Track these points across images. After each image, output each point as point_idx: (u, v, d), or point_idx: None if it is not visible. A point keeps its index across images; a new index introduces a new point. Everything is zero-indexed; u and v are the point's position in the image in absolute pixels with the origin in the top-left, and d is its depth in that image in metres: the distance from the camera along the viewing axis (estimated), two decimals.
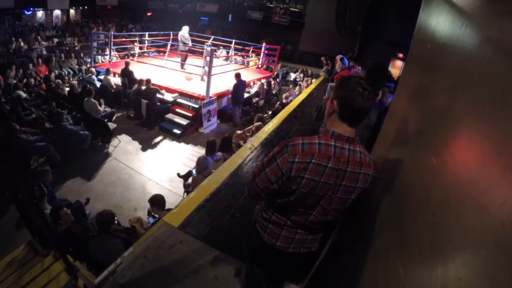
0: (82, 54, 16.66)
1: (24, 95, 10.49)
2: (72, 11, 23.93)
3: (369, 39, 20.14)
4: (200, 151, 9.11)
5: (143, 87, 10.45)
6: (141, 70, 12.61)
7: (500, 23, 1.13)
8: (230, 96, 11.75)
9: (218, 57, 15.62)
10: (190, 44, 13.92)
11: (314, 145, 1.73)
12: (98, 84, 12.13)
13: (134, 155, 8.91)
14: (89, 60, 15.43)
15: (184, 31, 13.69)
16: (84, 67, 15.69)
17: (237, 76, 11.16)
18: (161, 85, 11.29)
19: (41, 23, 21.28)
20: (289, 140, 1.79)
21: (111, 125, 9.35)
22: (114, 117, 10.25)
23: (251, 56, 18.51)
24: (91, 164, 8.08)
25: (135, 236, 4.48)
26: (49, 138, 8.04)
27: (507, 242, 0.81)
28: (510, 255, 0.78)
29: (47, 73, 13.54)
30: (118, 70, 12.13)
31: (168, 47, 15.68)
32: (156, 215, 5.13)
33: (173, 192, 7.25)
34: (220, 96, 11.61)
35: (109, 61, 14.45)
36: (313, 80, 16.34)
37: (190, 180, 6.48)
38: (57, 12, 22.49)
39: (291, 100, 11.81)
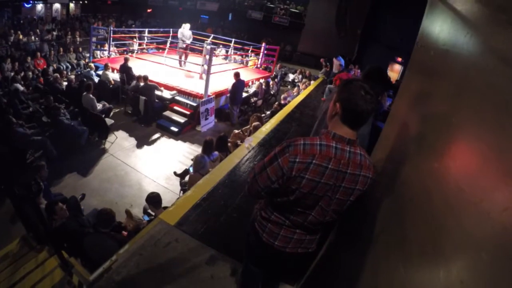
0: (80, 49, 16.59)
1: (21, 88, 10.45)
2: (72, 5, 23.86)
3: (368, 42, 20.24)
4: (197, 150, 9.10)
5: (141, 84, 10.42)
6: (140, 66, 12.59)
7: (504, 34, 1.14)
8: (228, 95, 11.74)
9: (217, 56, 15.60)
10: (188, 41, 13.89)
11: (315, 146, 1.74)
12: (96, 79, 12.07)
13: (130, 151, 8.88)
14: (87, 55, 15.37)
15: (185, 29, 13.67)
16: (82, 62, 15.62)
17: (236, 75, 11.14)
18: (159, 82, 11.25)
19: (40, 16, 21.19)
20: (291, 140, 1.81)
21: (108, 121, 9.31)
22: (111, 113, 10.21)
23: (250, 56, 18.50)
24: (87, 160, 8.05)
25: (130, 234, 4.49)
26: (46, 132, 8.01)
27: (509, 246, 0.82)
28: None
29: (45, 66, 13.46)
30: (117, 66, 12.09)
31: (168, 44, 15.66)
32: (152, 213, 5.12)
33: (169, 190, 7.23)
34: (218, 95, 11.61)
35: (108, 57, 14.41)
36: (312, 82, 16.36)
37: (186, 178, 6.47)
38: (57, 5, 22.43)
39: (289, 101, 11.82)
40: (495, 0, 1.28)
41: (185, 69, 13.43)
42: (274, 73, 17.10)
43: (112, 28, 14.92)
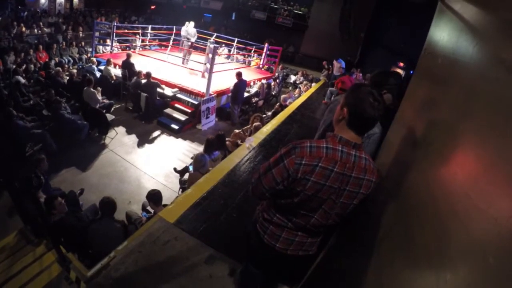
0: (83, 43, 16.56)
1: (23, 80, 10.44)
2: None
3: (371, 45, 20.26)
4: (197, 148, 9.11)
5: (143, 81, 10.41)
6: (142, 62, 12.55)
7: None
8: (230, 94, 11.73)
9: (219, 55, 15.60)
10: (193, 39, 13.89)
11: (321, 148, 1.74)
12: (98, 74, 12.06)
13: (130, 148, 8.87)
14: (90, 49, 15.35)
15: (190, 27, 13.66)
16: (84, 56, 15.58)
17: (238, 75, 11.14)
18: (161, 79, 11.24)
19: (44, 9, 21.16)
20: (297, 142, 1.80)
21: (109, 117, 9.29)
22: (112, 109, 10.20)
23: (253, 57, 18.50)
24: (86, 155, 8.03)
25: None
26: (46, 126, 8.00)
27: None
28: None
29: (47, 59, 13.44)
30: (119, 62, 12.09)
31: (171, 42, 15.65)
32: (151, 210, 5.12)
33: (168, 187, 7.22)
34: (220, 94, 11.59)
35: (110, 52, 14.40)
36: (313, 84, 16.38)
37: (186, 176, 6.47)
38: None
39: (290, 103, 11.82)
40: (505, 14, 1.28)
41: (187, 67, 13.42)
42: (276, 74, 17.09)
43: (115, 24, 14.90)
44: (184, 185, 6.32)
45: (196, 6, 27.57)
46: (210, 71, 10.67)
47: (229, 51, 18.52)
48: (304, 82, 16.83)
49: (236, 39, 17.47)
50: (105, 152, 8.42)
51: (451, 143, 1.43)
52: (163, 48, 16.44)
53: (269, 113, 10.53)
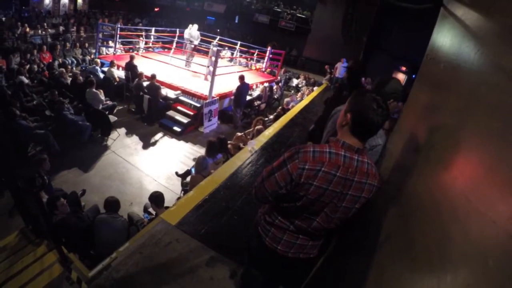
0: (87, 44, 16.62)
1: (26, 81, 10.47)
2: (80, 0, 23.93)
3: (373, 50, 20.27)
4: (199, 150, 9.12)
5: (145, 82, 10.45)
6: (145, 65, 12.59)
7: None
8: (232, 97, 11.76)
9: (222, 58, 15.62)
10: (196, 42, 13.94)
11: (324, 153, 1.75)
12: (101, 75, 12.10)
13: (132, 149, 8.89)
14: (93, 50, 15.41)
15: (193, 29, 13.71)
16: (88, 58, 15.64)
17: (241, 78, 11.15)
18: (164, 82, 11.28)
19: (48, 10, 21.26)
20: (300, 146, 1.82)
21: (112, 118, 9.31)
22: (115, 110, 10.22)
23: (255, 60, 18.53)
24: (89, 156, 8.05)
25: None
26: (49, 126, 8.02)
27: None
28: None
29: (50, 60, 13.49)
30: (122, 63, 12.09)
31: (174, 44, 15.69)
32: (153, 212, 5.14)
33: (169, 189, 7.22)
34: (222, 96, 11.60)
35: (114, 54, 14.45)
36: (315, 88, 16.38)
37: (188, 178, 6.48)
38: (64, 0, 22.49)
39: (292, 106, 11.83)
40: (507, 20, 1.29)
41: (190, 69, 13.46)
42: (279, 77, 17.11)
43: (119, 25, 14.96)
44: (186, 188, 6.33)
45: (200, 9, 27.67)
46: (213, 74, 10.69)
47: (232, 54, 18.56)
48: (305, 87, 16.84)
49: (239, 42, 17.51)
50: (107, 153, 8.44)
51: (451, 148, 1.44)
52: (166, 50, 16.52)
53: (271, 117, 10.55)
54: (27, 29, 15.79)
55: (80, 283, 3.19)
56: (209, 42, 15.30)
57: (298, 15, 25.75)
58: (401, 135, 2.35)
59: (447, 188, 1.35)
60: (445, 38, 2.04)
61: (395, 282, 1.48)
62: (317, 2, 23.53)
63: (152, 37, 17.28)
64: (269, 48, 17.14)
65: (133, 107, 11.08)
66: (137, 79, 10.63)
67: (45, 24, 17.48)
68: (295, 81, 19.74)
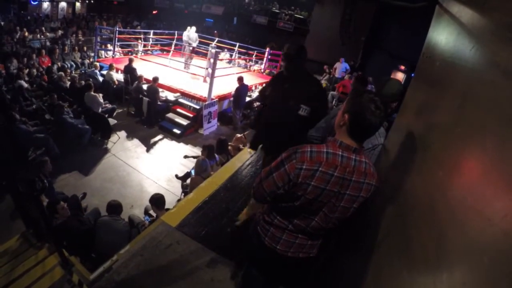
0: (85, 48, 16.63)
1: (25, 85, 10.48)
2: (78, 4, 23.97)
3: (372, 49, 20.27)
4: (199, 153, 9.12)
5: (145, 85, 10.47)
6: (144, 67, 12.60)
7: (508, 50, 1.17)
8: (231, 99, 11.77)
9: (221, 60, 15.64)
10: (195, 44, 13.96)
11: (322, 153, 1.76)
12: (100, 78, 12.13)
13: (132, 152, 8.91)
14: (92, 54, 15.43)
15: (191, 31, 13.72)
16: (87, 61, 15.65)
17: (240, 79, 11.17)
18: (163, 84, 11.29)
19: (46, 14, 21.30)
20: (298, 147, 1.82)
21: (112, 121, 9.35)
22: (115, 113, 10.24)
23: (254, 61, 18.53)
24: (89, 159, 8.07)
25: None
26: (49, 130, 8.03)
27: (509, 251, 0.87)
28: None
29: (49, 64, 13.50)
30: (121, 66, 12.14)
31: (173, 47, 15.72)
32: (154, 214, 5.15)
33: (170, 191, 7.23)
34: (221, 98, 11.62)
35: (112, 57, 14.47)
36: None
37: (188, 180, 6.49)
38: (63, 4, 22.57)
39: None
40: (501, 17, 1.30)
41: (189, 72, 13.47)
42: None
43: (117, 29, 14.98)
44: (186, 190, 6.34)
45: (198, 11, 27.61)
46: (212, 76, 10.71)
47: (231, 55, 18.57)
48: None
49: (237, 44, 17.53)
50: (108, 156, 8.45)
51: (448, 146, 1.44)
52: (165, 53, 16.51)
53: None
54: (26, 34, 15.80)
55: (82, 285, 3.19)
56: (208, 44, 15.33)
57: (296, 15, 25.72)
58: (399, 133, 2.35)
59: (443, 186, 1.36)
60: (441, 36, 2.04)
61: (393, 280, 1.48)
62: (314, 2, 23.50)
63: (150, 39, 17.30)
64: (267, 49, 17.15)
65: (132, 110, 11.09)
66: (136, 82, 10.64)
67: (44, 28, 17.49)
68: None
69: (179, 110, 10.99)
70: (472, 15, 1.63)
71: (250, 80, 14.35)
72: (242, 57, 18.96)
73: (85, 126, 8.41)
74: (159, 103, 10.57)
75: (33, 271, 3.54)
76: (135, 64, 11.74)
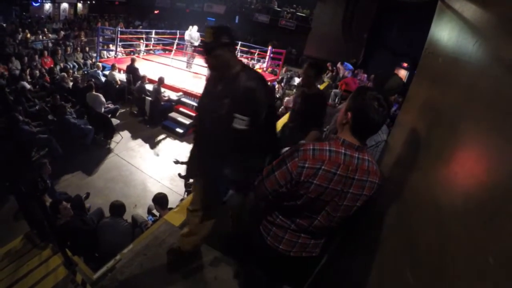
0: (87, 49, 16.67)
1: (28, 86, 10.51)
2: (79, 5, 24.02)
3: (375, 47, 20.23)
4: None
5: (148, 85, 10.48)
6: (147, 67, 12.62)
7: None
8: None
9: None
10: (197, 43, 13.95)
11: (325, 151, 1.73)
12: (103, 79, 12.14)
13: (135, 152, 8.91)
14: (94, 54, 15.46)
15: (193, 31, 13.72)
16: (89, 62, 15.70)
17: None
18: (166, 84, 11.27)
19: (48, 15, 21.35)
20: (300, 145, 1.80)
21: (114, 121, 9.35)
22: (117, 113, 10.26)
23: (256, 59, 18.51)
24: (92, 159, 8.08)
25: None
26: (51, 131, 8.04)
27: None
28: None
29: (52, 65, 13.54)
30: (123, 66, 12.15)
31: (175, 46, 15.73)
32: (157, 214, 5.14)
33: (173, 191, 7.24)
34: None
35: (115, 57, 14.48)
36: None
37: (191, 179, 6.47)
38: (64, 5, 22.62)
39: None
40: (504, 11, 1.28)
41: (191, 71, 13.47)
42: (280, 76, 17.08)
43: (119, 29, 15.00)
44: (189, 189, 6.33)
45: (200, 10, 27.64)
46: None
47: None
48: None
49: (239, 42, 17.52)
50: (111, 156, 8.46)
51: (451, 143, 1.43)
52: (167, 52, 16.53)
53: None
54: (28, 35, 15.85)
55: (85, 285, 3.19)
56: None
57: (298, 13, 25.68)
58: (401, 130, 2.33)
59: (446, 183, 1.34)
60: (443, 32, 2.03)
61: (395, 281, 1.47)
62: (316, 0, 23.45)
63: (152, 39, 17.31)
64: (269, 48, 17.12)
65: (135, 110, 11.09)
66: (139, 82, 10.65)
67: (46, 29, 17.55)
68: (296, 80, 19.67)
69: (181, 109, 10.98)
70: (475, 10, 1.62)
71: None
72: (244, 55, 18.92)
73: (88, 126, 8.41)
74: (162, 103, 10.57)
75: (37, 271, 3.55)
76: (137, 64, 11.76)
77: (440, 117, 1.69)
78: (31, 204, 3.92)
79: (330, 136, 1.86)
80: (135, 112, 11.07)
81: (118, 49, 14.81)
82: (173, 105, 11.08)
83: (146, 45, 16.91)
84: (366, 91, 1.73)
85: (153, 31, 17.46)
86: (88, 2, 24.69)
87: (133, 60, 11.61)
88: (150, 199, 5.39)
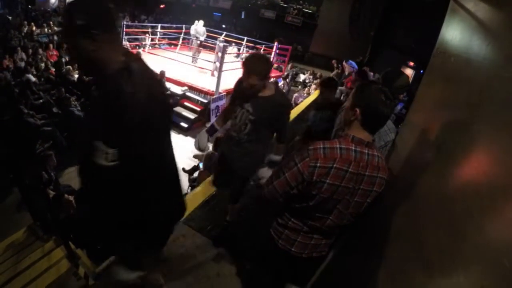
0: None
1: (33, 79, 10.52)
2: None
3: (381, 45, 20.12)
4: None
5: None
6: (152, 61, 12.56)
7: None
8: None
9: (229, 54, 15.59)
10: (202, 38, 13.93)
11: (335, 149, 1.70)
12: None
13: None
14: None
15: (199, 25, 13.69)
16: None
17: None
18: (171, 78, 11.28)
19: (54, 8, 21.34)
20: (309, 143, 1.77)
21: None
22: None
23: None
24: None
25: None
26: (56, 123, 8.05)
27: None
28: None
29: (57, 58, 13.54)
30: None
31: (180, 40, 15.70)
32: None
33: None
34: (229, 92, 11.51)
35: None
36: None
37: (195, 174, 6.47)
38: None
39: (301, 101, 11.76)
40: None
41: (197, 65, 13.46)
42: (286, 72, 17.04)
43: (125, 23, 14.97)
44: (193, 183, 6.33)
45: (205, 5, 27.57)
46: (220, 70, 10.68)
47: (239, 49, 18.50)
48: (313, 84, 16.70)
49: (245, 38, 17.47)
50: None
51: (464, 143, 1.41)
52: (172, 47, 16.52)
53: None
54: (34, 28, 15.85)
55: (88, 278, 3.20)
56: (216, 38, 15.28)
57: (304, 10, 25.56)
58: (411, 129, 2.31)
59: (459, 183, 1.32)
60: (455, 31, 2.00)
61: (407, 281, 1.45)
62: None
63: (158, 33, 17.29)
64: (275, 44, 17.07)
65: None
66: None
67: (51, 22, 17.54)
68: (302, 76, 19.63)
69: (186, 104, 10.99)
70: (488, 9, 1.59)
71: None
72: (250, 51, 18.86)
73: None
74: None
75: (40, 263, 3.56)
76: (142, 58, 11.71)
77: (452, 116, 1.67)
78: (35, 196, 3.92)
79: (338, 134, 1.83)
80: None
81: (124, 42, 14.78)
82: (178, 99, 11.06)
83: (152, 39, 16.88)
84: (371, 86, 1.72)
85: (159, 25, 17.42)
86: None
87: (138, 54, 11.58)
88: None
